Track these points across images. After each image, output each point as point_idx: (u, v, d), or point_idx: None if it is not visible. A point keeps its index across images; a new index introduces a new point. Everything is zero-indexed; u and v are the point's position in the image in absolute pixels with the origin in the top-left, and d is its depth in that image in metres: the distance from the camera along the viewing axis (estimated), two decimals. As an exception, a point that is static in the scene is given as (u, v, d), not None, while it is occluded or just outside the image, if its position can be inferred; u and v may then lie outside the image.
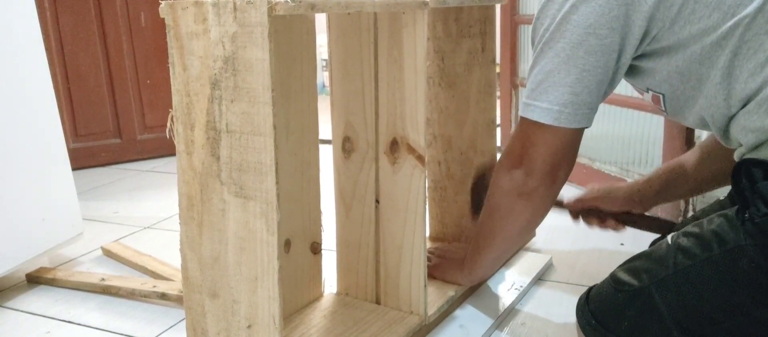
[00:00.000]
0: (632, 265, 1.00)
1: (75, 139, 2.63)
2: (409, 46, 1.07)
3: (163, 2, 0.87)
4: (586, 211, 1.32)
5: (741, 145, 0.88)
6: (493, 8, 1.36)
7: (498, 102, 2.45)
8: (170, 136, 0.94)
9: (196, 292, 0.98)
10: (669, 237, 0.97)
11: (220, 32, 0.83)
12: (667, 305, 0.90)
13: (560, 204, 1.36)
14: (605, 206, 1.29)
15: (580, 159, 2.07)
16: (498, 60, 2.52)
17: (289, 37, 1.06)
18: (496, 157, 1.46)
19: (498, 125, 2.42)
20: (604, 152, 1.99)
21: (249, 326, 0.92)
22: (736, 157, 0.92)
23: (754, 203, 0.83)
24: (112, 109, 2.71)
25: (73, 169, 1.63)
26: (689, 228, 0.94)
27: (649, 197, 1.27)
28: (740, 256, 0.84)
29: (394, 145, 1.14)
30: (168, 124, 0.94)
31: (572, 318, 1.23)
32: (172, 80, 0.90)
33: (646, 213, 1.31)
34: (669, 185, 1.25)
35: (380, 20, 1.10)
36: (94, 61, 2.64)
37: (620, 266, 1.02)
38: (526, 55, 2.36)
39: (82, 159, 2.62)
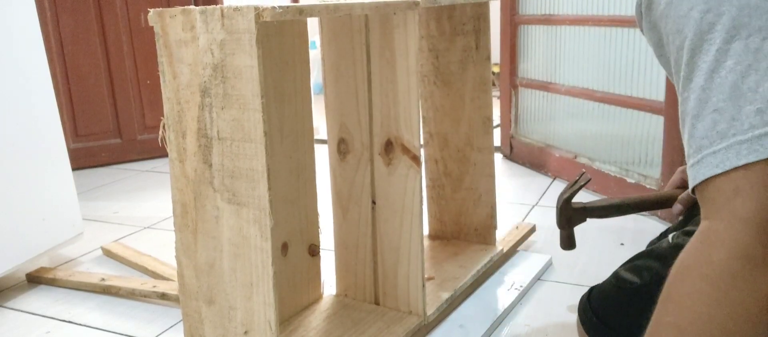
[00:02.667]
0: (634, 263, 1.00)
1: (75, 139, 2.64)
2: (401, 47, 1.06)
3: (151, 10, 0.87)
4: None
5: None
6: (486, 5, 1.35)
7: (498, 101, 2.44)
8: (162, 145, 0.94)
9: (192, 299, 0.98)
10: (670, 236, 0.97)
11: (208, 40, 0.83)
12: None
13: (665, 204, 1.14)
14: None
15: (580, 159, 2.06)
16: (497, 60, 2.52)
17: (281, 41, 1.06)
18: (493, 153, 1.45)
19: (497, 126, 2.41)
20: (604, 152, 1.98)
21: (246, 332, 0.93)
22: None
23: None
24: (112, 109, 2.72)
25: (73, 169, 1.63)
26: (689, 227, 0.95)
27: None
28: None
29: (388, 146, 1.13)
30: (160, 132, 0.94)
31: (572, 318, 1.23)
32: (162, 88, 0.90)
33: None
34: None
35: (372, 22, 1.09)
36: (94, 61, 2.64)
37: (622, 265, 1.03)
38: (527, 55, 2.34)
39: (82, 159, 2.63)
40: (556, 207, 1.22)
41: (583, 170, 1.30)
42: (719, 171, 0.57)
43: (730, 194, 0.57)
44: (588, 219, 1.22)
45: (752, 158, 0.55)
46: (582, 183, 1.23)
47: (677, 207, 1.05)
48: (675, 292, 0.60)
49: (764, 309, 0.55)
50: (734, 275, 0.55)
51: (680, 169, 1.14)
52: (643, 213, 1.79)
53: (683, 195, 1.06)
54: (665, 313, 0.61)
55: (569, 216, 1.21)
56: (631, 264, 1.00)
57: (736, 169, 0.56)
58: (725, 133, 0.57)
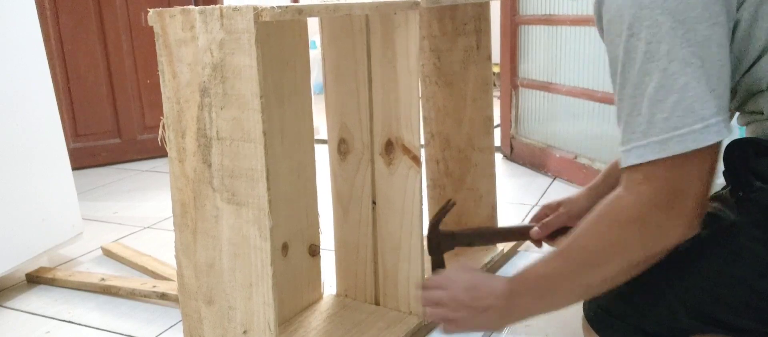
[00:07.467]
0: None
1: (75, 139, 2.63)
2: (402, 47, 1.06)
3: (151, 10, 0.87)
4: (555, 233, 1.23)
5: (761, 112, 0.88)
6: (487, 5, 1.35)
7: (498, 101, 2.44)
8: (162, 144, 0.94)
9: (192, 299, 0.98)
10: None
11: (207, 39, 0.83)
12: (671, 287, 0.91)
13: (525, 235, 1.27)
14: (573, 221, 1.19)
15: (580, 159, 2.06)
16: (498, 60, 2.52)
17: (280, 41, 1.06)
18: (493, 154, 1.45)
19: (498, 126, 2.41)
20: (604, 152, 1.98)
21: (245, 332, 0.92)
22: (742, 123, 0.93)
23: (747, 180, 0.85)
24: (112, 109, 2.72)
25: (73, 169, 1.63)
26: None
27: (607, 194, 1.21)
28: (738, 231, 0.85)
29: (389, 146, 1.13)
30: (160, 132, 0.94)
31: (572, 318, 1.22)
32: (162, 88, 0.90)
33: None
34: None
35: (372, 22, 1.09)
36: (94, 61, 2.64)
37: None
38: (527, 55, 2.34)
39: (82, 159, 2.62)
40: (427, 234, 1.26)
41: (450, 198, 1.34)
42: (637, 162, 0.81)
43: (640, 179, 0.82)
44: (456, 246, 1.30)
45: (658, 156, 0.79)
46: (448, 209, 1.29)
47: (536, 232, 1.23)
48: (590, 225, 0.89)
49: (639, 252, 0.85)
50: (630, 228, 0.85)
51: (545, 204, 1.29)
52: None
53: (535, 229, 1.23)
54: (580, 236, 0.90)
55: (438, 242, 1.25)
56: None
57: (648, 163, 0.80)
58: (646, 133, 0.79)
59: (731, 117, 1.16)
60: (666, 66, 0.76)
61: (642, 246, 0.85)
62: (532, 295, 0.96)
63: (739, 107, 0.94)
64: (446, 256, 1.34)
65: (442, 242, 1.25)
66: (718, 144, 0.79)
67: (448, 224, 1.52)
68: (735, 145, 0.88)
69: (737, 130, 1.34)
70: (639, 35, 0.77)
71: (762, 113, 0.88)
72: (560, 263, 0.93)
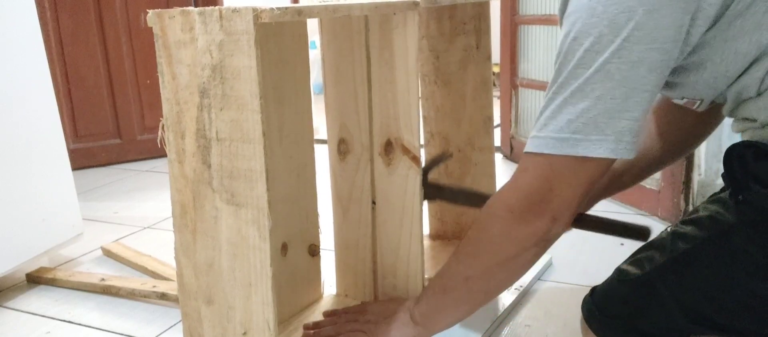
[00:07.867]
0: (635, 257, 1.03)
1: (75, 139, 2.64)
2: (401, 48, 1.06)
3: (150, 11, 0.87)
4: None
5: (754, 120, 0.88)
6: (487, 5, 1.35)
7: (498, 101, 2.44)
8: (161, 145, 0.94)
9: (191, 298, 0.98)
10: (669, 227, 0.99)
11: (207, 41, 0.83)
12: (669, 288, 0.92)
13: None
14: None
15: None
16: (497, 60, 2.52)
17: (280, 41, 1.06)
18: (493, 153, 1.45)
19: (497, 126, 2.41)
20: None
21: (244, 333, 0.93)
22: (736, 130, 0.93)
23: (746, 184, 0.85)
24: (112, 109, 2.72)
25: (73, 169, 1.64)
26: (687, 216, 0.97)
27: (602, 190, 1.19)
28: (735, 233, 0.86)
29: (388, 146, 1.13)
30: (159, 133, 0.94)
31: (572, 318, 1.22)
32: (161, 89, 0.90)
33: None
34: (618, 172, 1.19)
35: (371, 22, 1.09)
36: (94, 61, 2.64)
37: (624, 261, 1.04)
38: (527, 55, 2.34)
39: (82, 159, 2.63)
40: None
41: (446, 149, 1.35)
42: (529, 150, 0.83)
43: (524, 168, 0.85)
44: (439, 200, 1.28)
45: (548, 151, 0.81)
46: (442, 159, 1.30)
47: None
48: (478, 216, 0.92)
49: (507, 244, 0.87)
50: (501, 216, 0.87)
51: None
52: (645, 214, 1.79)
53: None
54: (470, 228, 0.93)
55: (425, 191, 1.22)
56: (633, 258, 1.02)
57: (538, 154, 0.82)
58: (546, 126, 0.81)
59: (721, 121, 1.17)
60: (590, 75, 0.78)
61: (508, 237, 0.87)
62: (435, 295, 0.99)
63: (732, 113, 0.94)
64: (444, 257, 1.34)
65: (427, 191, 1.23)
66: (608, 161, 0.80)
67: (447, 223, 1.52)
68: (734, 148, 0.88)
69: (737, 135, 1.34)
70: (582, 41, 0.78)
71: (755, 120, 0.89)
72: (452, 259, 0.96)
